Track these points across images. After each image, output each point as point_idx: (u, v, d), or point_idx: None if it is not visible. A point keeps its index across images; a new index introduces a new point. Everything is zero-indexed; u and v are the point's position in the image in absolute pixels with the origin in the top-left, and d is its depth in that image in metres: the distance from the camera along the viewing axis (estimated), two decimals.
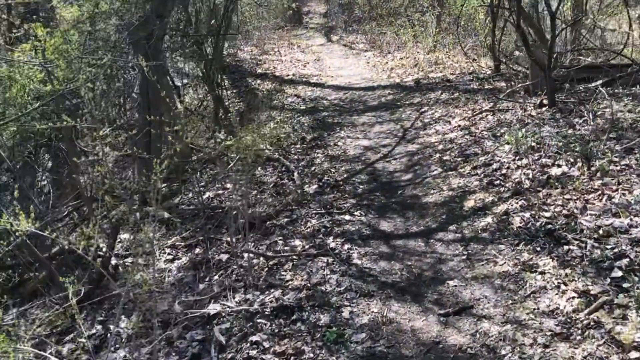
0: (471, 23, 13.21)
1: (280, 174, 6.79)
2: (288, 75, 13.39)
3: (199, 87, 12.16)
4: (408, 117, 8.51)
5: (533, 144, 5.98)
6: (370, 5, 17.65)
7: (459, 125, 7.38)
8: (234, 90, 12.79)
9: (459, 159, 6.24)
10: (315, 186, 6.15)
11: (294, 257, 4.48)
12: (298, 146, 7.96)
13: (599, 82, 7.79)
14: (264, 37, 16.96)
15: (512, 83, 9.08)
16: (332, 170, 6.67)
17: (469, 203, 5.13)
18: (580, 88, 7.78)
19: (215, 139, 8.82)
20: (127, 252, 5.36)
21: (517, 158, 5.80)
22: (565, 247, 4.01)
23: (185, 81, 13.03)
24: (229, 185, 6.71)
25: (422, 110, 8.67)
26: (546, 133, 6.27)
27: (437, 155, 6.54)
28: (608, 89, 7.40)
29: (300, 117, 9.71)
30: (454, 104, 8.55)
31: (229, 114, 11.12)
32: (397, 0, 16.83)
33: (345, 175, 6.45)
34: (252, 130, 8.96)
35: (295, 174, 6.51)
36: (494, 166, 5.76)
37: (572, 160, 5.36)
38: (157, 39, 6.49)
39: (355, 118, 9.10)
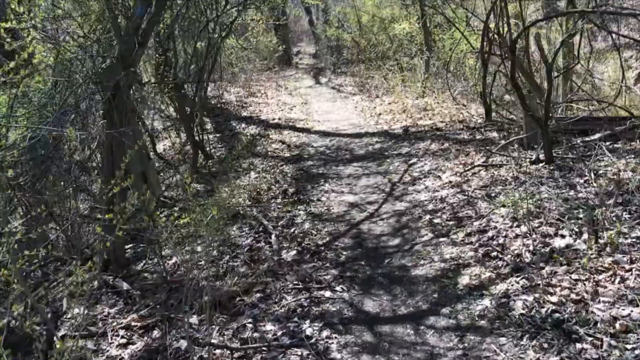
0: (461, 68, 12.84)
1: (256, 236, 6.18)
2: (274, 119, 12.89)
3: (181, 131, 11.60)
4: (396, 170, 7.97)
5: (532, 207, 5.43)
6: (359, 48, 17.34)
7: (450, 182, 6.83)
8: (217, 135, 12.25)
9: (451, 223, 5.66)
10: (294, 252, 5.53)
11: (264, 348, 3.83)
12: (279, 200, 7.37)
13: (597, 135, 7.32)
14: (250, 79, 16.54)
15: (505, 134, 8.60)
16: (314, 232, 6.07)
17: (464, 280, 4.53)
18: (578, 142, 7.30)
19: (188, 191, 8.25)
20: (77, 332, 4.68)
21: (515, 224, 5.24)
22: (578, 346, 3.40)
23: (168, 124, 12.51)
24: (200, 249, 6.08)
25: (411, 162, 8.14)
26: (545, 194, 5.73)
27: (427, 217, 5.96)
28: (608, 144, 6.92)
29: (284, 166, 9.16)
30: (444, 155, 8.02)
31: (211, 161, 10.57)
32: (385, 44, 16.55)
33: (327, 239, 5.85)
34: (231, 183, 8.41)
35: (273, 236, 5.90)
36: (490, 234, 5.18)
37: (576, 229, 4.80)
38: (124, 87, 5.93)
39: (341, 169, 8.55)
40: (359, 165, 8.55)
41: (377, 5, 16.64)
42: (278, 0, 12.34)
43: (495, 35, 8.95)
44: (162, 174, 9.31)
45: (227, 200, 7.20)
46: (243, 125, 12.79)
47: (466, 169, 7.08)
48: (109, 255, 5.99)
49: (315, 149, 10.04)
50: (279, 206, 7.10)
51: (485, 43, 9.51)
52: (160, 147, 11.90)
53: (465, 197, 6.23)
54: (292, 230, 6.14)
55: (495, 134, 8.78)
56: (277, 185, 8.09)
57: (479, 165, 7.08)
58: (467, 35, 10.70)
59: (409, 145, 9.10)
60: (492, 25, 8.96)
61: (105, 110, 6.08)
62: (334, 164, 8.92)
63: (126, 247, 6.52)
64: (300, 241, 5.82)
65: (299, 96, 15.34)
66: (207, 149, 10.97)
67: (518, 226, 5.20)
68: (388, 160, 8.52)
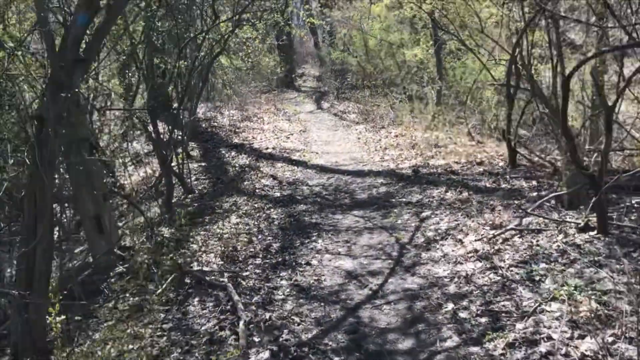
0: (475, 100, 11.28)
1: (222, 317, 4.53)
2: (268, 148, 11.31)
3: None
4: (405, 225, 6.34)
5: (596, 305, 3.81)
6: (365, 73, 15.83)
7: (476, 251, 5.20)
8: (203, 164, 10.66)
9: (483, 320, 4.01)
10: (267, 355, 3.88)
11: None
12: (259, 261, 5.74)
13: None
14: (245, 102, 14.99)
15: (536, 183, 7.00)
16: (297, 318, 4.42)
17: None
18: (634, 203, 5.69)
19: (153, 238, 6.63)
20: None
21: (576, 334, 3.60)
22: None
23: (146, 151, 10.94)
24: (150, 329, 4.45)
25: (423, 214, 6.52)
26: (609, 284, 4.11)
27: (450, 305, 4.31)
28: None
29: (272, 210, 7.54)
30: (464, 210, 6.40)
31: (190, 195, 8.96)
32: (392, 69, 15.03)
33: (314, 332, 4.20)
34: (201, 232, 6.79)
35: (241, 324, 4.25)
36: (543, 348, 3.54)
37: None
38: (53, 117, 4.33)
39: (339, 218, 6.92)
40: (361, 215, 6.92)
41: (385, 29, 15.14)
42: (276, 19, 10.78)
43: (522, 67, 7.41)
44: (123, 217, 7.68)
45: (188, 264, 5.59)
46: (233, 153, 11.21)
47: (496, 233, 5.45)
48: (24, 339, 4.36)
49: (310, 189, 8.43)
50: (258, 270, 5.46)
51: (512, 75, 7.96)
52: (138, 175, 10.32)
53: (499, 277, 4.59)
54: (268, 314, 4.49)
55: (523, 183, 7.16)
56: (259, 238, 6.46)
57: (511, 229, 5.45)
58: (486, 65, 9.14)
59: (420, 191, 7.48)
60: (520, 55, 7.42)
61: (28, 149, 4.50)
62: (330, 210, 7.29)
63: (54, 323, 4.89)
64: (277, 334, 4.17)
65: (297, 122, 13.78)
66: (189, 180, 9.38)
67: (582, 337, 3.57)
68: (395, 210, 6.89)
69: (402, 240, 5.89)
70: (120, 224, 6.87)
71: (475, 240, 5.43)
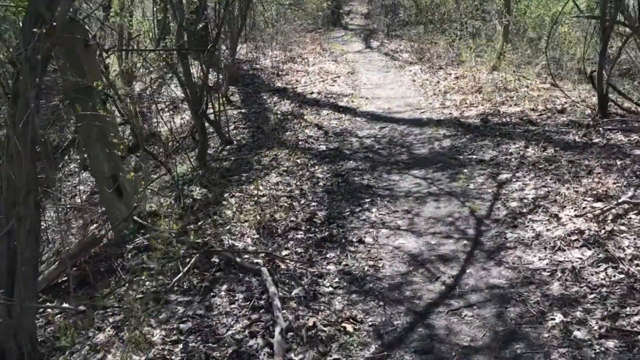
0: (552, 37, 9.58)
1: (253, 317, 3.47)
2: (312, 92, 10.02)
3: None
4: (479, 191, 5.07)
5: None
6: (418, 8, 14.08)
7: (580, 231, 3.92)
8: (243, 110, 9.50)
9: (610, 345, 2.80)
10: None
11: None
12: (300, 235, 4.62)
13: None
14: (290, 41, 13.59)
15: (638, 138, 5.56)
16: (348, 325, 3.32)
17: None
18: None
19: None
20: None
21: None
22: None
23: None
24: (164, 330, 3.44)
25: (501, 177, 5.23)
26: None
27: (557, 316, 3.10)
28: None
29: (317, 167, 6.37)
30: (553, 172, 5.07)
31: (229, 146, 7.89)
32: (449, 2, 13.24)
33: (372, 348, 3.09)
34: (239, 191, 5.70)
35: (277, 331, 3.18)
36: None
37: None
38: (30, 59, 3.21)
39: (396, 180, 5.69)
40: (422, 176, 5.67)
41: None
42: None
43: None
44: (146, 175, 6.64)
45: (219, 236, 4.53)
46: (275, 98, 9.99)
47: (604, 208, 4.13)
48: (8, 343, 3.42)
49: (360, 141, 7.18)
50: (299, 249, 4.35)
51: (610, 7, 6.36)
52: (174, 124, 9.27)
53: (622, 274, 3.34)
54: (312, 318, 3.39)
55: (621, 137, 5.73)
56: (302, 203, 5.33)
57: (624, 203, 4.12)
58: None
59: (493, 146, 6.13)
60: None
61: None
62: (385, 169, 6.06)
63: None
64: (324, 350, 3.09)
65: (345, 63, 12.35)
66: (227, 129, 8.27)
67: None
68: (465, 170, 5.60)
69: (478, 212, 4.64)
70: (144, 185, 5.86)
71: (576, 216, 4.14)
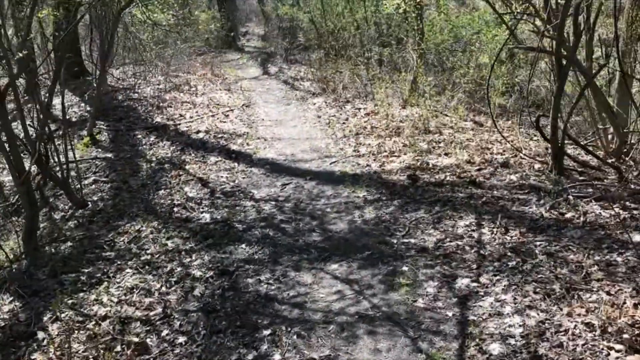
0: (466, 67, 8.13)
1: None
2: (199, 131, 7.82)
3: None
4: (435, 315, 3.14)
5: None
6: (318, 32, 12.29)
7: None
8: (110, 155, 7.10)
9: None
10: None
11: None
12: None
13: None
14: (177, 66, 11.27)
15: (624, 210, 3.99)
16: None
17: None
18: None
19: None
20: None
21: None
22: None
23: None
24: None
25: (461, 285, 3.38)
26: None
27: None
28: None
29: (193, 257, 4.23)
30: (534, 277, 3.32)
31: (81, 211, 5.56)
32: (351, 28, 11.58)
33: None
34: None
35: None
36: None
37: None
38: None
39: (308, 285, 3.67)
40: (345, 277, 3.69)
41: None
42: None
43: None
44: None
45: None
46: (152, 138, 7.68)
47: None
48: None
49: (257, 208, 5.11)
50: None
51: (565, 34, 4.83)
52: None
53: None
54: None
55: (598, 209, 4.14)
56: (162, 337, 3.18)
57: None
58: (503, 18, 5.94)
59: (433, 221, 4.32)
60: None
61: None
62: (291, 259, 4.04)
63: None
64: None
65: (240, 93, 10.24)
66: (80, 186, 5.88)
67: None
68: (405, 268, 3.69)
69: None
70: None
71: None
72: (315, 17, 12.17)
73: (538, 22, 5.66)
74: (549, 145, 5.10)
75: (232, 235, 4.57)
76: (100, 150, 7.51)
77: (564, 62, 4.72)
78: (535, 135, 6.71)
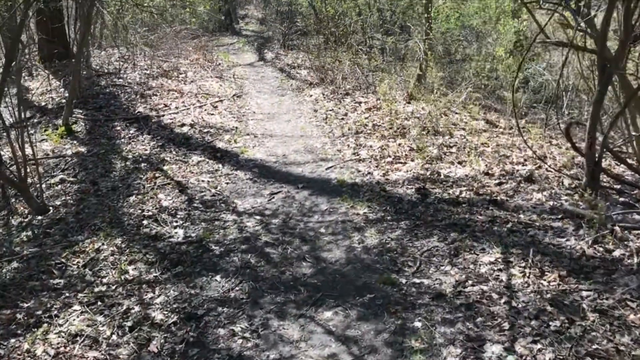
0: (482, 62, 7.20)
1: None
2: (184, 124, 6.89)
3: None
4: None
5: None
6: (318, 17, 11.26)
7: None
8: (83, 149, 6.19)
9: None
10: None
11: None
12: None
13: None
14: (167, 50, 10.28)
15: None
16: None
17: None
18: None
19: None
20: None
21: None
22: None
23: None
24: None
25: (490, 355, 2.53)
26: None
27: None
28: None
29: (157, 292, 3.36)
30: (589, 349, 2.46)
31: (41, 218, 4.67)
32: (353, 14, 10.57)
33: None
34: None
35: None
36: None
37: None
38: None
39: (294, 344, 2.80)
40: (341, 335, 2.80)
41: None
42: None
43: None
44: None
45: None
46: (132, 131, 6.75)
47: None
48: None
49: (239, 225, 4.22)
50: None
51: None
52: None
53: None
54: None
55: None
56: None
57: None
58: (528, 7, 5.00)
59: (450, 254, 3.44)
60: None
61: None
62: (274, 300, 3.16)
63: None
64: None
65: (232, 81, 9.27)
66: (40, 189, 4.97)
67: None
68: (417, 324, 2.82)
69: None
70: None
71: None
72: (315, 0, 11.14)
73: (567, 13, 4.73)
74: (575, 153, 4.22)
75: (207, 261, 3.69)
76: (75, 142, 6.59)
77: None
78: (556, 139, 5.84)
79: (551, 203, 3.95)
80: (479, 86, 7.68)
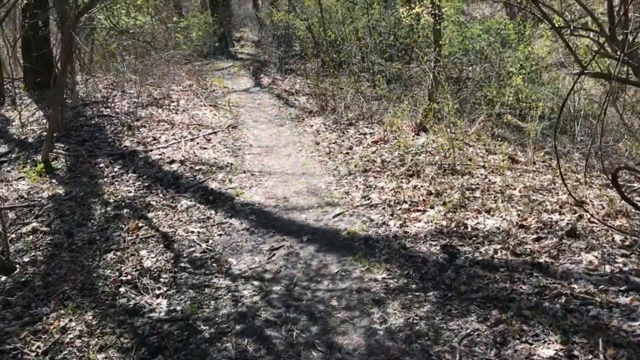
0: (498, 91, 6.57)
1: None
2: (173, 161, 6.16)
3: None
4: None
5: None
6: (316, 42, 10.63)
7: None
8: (61, 190, 5.44)
9: None
10: None
11: None
12: None
13: None
14: (147, 78, 9.59)
15: None
16: None
17: None
18: None
19: None
20: None
21: None
22: None
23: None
24: None
25: None
26: None
27: None
28: None
29: None
30: None
31: (5, 278, 3.91)
32: (352, 38, 9.95)
33: None
34: None
35: None
36: None
37: None
38: None
39: None
40: None
41: None
42: None
43: None
44: None
45: None
46: (116, 168, 6.02)
47: None
48: None
49: (233, 294, 3.47)
50: None
51: None
52: None
53: None
54: None
55: None
56: None
57: None
58: (562, 34, 4.34)
59: (494, 342, 2.72)
60: None
61: None
62: None
63: None
64: None
65: (227, 109, 8.57)
66: (5, 244, 4.22)
67: None
68: None
69: None
70: None
71: None
72: (313, 24, 10.52)
73: (602, 39, 4.09)
74: (618, 197, 3.53)
75: (193, 348, 2.94)
76: (54, 181, 5.86)
77: None
78: (575, 171, 5.15)
79: (607, 268, 3.24)
80: (490, 114, 7.04)
